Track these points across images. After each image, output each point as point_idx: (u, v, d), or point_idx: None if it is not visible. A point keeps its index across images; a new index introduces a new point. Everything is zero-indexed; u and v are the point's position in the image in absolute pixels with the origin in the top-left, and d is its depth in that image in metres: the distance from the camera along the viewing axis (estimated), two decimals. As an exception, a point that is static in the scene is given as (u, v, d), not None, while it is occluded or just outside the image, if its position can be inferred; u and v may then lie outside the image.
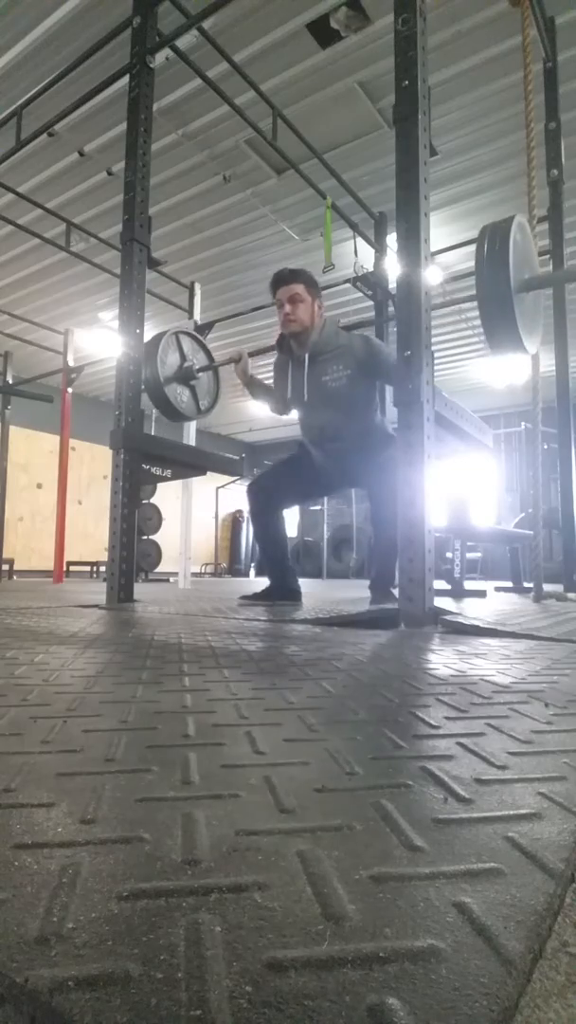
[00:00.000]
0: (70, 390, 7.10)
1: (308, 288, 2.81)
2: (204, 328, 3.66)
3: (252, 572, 13.52)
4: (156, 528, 9.56)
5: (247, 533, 14.18)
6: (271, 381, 3.16)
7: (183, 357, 3.27)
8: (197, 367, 3.29)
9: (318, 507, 11.52)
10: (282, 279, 2.81)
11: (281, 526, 3.01)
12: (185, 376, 3.24)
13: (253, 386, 3.12)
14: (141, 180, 3.01)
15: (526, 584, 5.01)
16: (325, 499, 10.76)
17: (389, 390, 2.90)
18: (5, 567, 7.78)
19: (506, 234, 1.99)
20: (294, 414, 3.10)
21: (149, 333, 3.12)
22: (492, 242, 1.99)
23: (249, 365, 3.09)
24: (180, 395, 3.24)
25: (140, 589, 3.30)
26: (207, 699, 0.87)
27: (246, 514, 14.39)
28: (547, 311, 3.97)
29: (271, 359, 3.20)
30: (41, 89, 4.09)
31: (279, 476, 3.03)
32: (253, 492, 3.00)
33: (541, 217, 3.91)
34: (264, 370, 8.28)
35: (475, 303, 2.09)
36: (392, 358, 2.53)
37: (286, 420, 3.76)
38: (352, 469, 2.92)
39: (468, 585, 4.81)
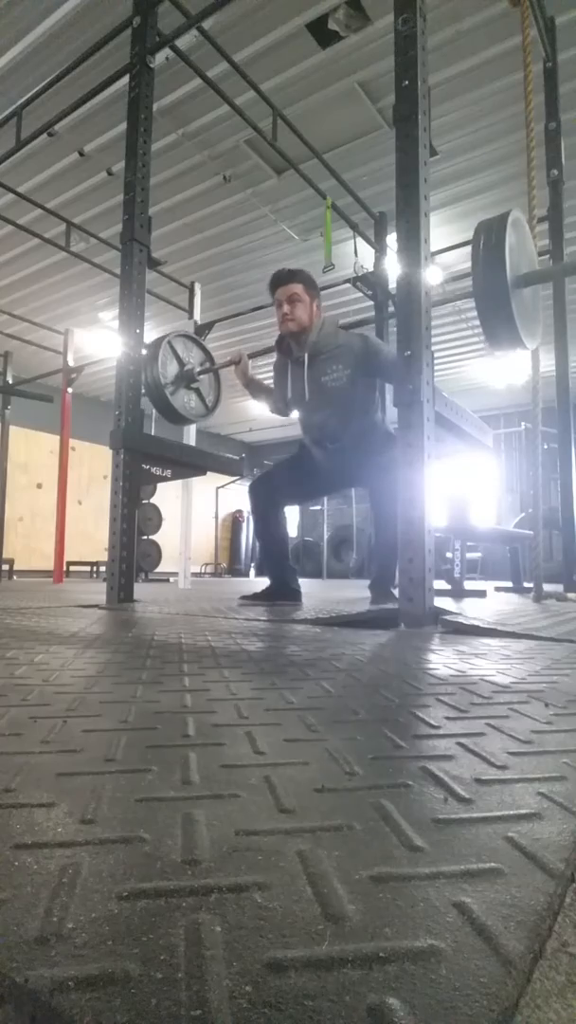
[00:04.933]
0: (70, 390, 7.10)
1: (306, 288, 2.81)
2: (204, 328, 3.67)
3: (252, 572, 13.52)
4: (156, 528, 9.55)
5: (247, 533, 14.18)
6: (271, 382, 3.16)
7: (180, 362, 3.25)
8: (198, 370, 3.28)
9: (318, 507, 11.52)
10: (280, 279, 2.82)
11: (283, 525, 3.01)
12: (187, 379, 3.23)
13: (253, 387, 3.13)
14: (141, 180, 3.01)
15: (526, 584, 5.01)
16: (325, 499, 10.76)
17: (389, 389, 2.89)
18: (5, 567, 7.78)
19: (501, 230, 1.98)
20: (295, 414, 3.10)
21: (149, 333, 3.11)
22: (488, 238, 1.99)
23: (249, 366, 3.09)
24: (187, 401, 3.24)
25: (140, 589, 3.30)
26: (207, 699, 0.87)
27: (246, 514, 14.41)
28: (547, 310, 3.97)
29: (271, 360, 3.20)
30: (41, 89, 4.09)
31: (280, 475, 3.04)
32: (255, 490, 3.00)
33: (541, 217, 3.91)
34: (264, 370, 8.30)
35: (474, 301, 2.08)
36: (392, 356, 2.53)
37: (286, 420, 3.76)
38: (353, 469, 2.92)
39: (468, 585, 4.81)
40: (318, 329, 2.83)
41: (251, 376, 3.09)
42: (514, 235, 2.04)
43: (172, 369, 3.19)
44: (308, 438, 3.00)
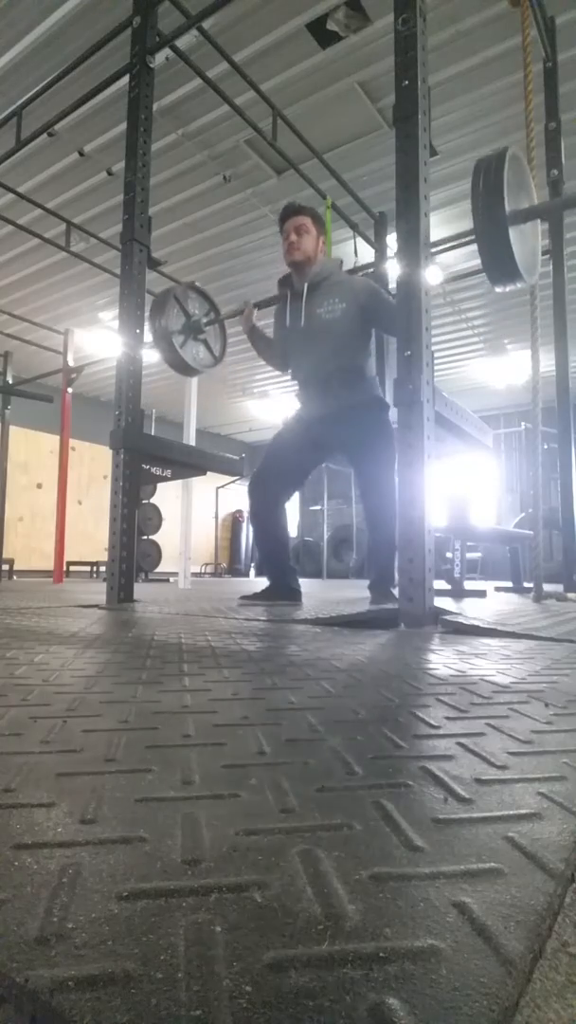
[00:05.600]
0: (70, 390, 7.10)
1: (314, 222, 2.91)
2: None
3: (252, 572, 13.52)
4: (156, 528, 9.55)
5: (247, 533, 14.18)
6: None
7: (187, 314, 3.26)
8: (204, 321, 3.29)
9: (318, 507, 11.52)
10: (291, 211, 2.91)
11: (283, 523, 3.00)
12: (194, 330, 3.24)
13: (255, 335, 3.16)
14: (141, 180, 3.01)
15: (526, 584, 5.01)
16: (325, 499, 10.76)
17: (391, 358, 2.89)
18: (5, 567, 7.77)
19: (500, 164, 1.98)
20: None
21: (149, 333, 3.11)
22: (487, 174, 1.99)
23: (254, 315, 3.13)
24: (196, 353, 3.26)
25: (140, 589, 3.30)
26: (207, 699, 0.87)
27: (246, 514, 14.42)
28: (547, 310, 3.97)
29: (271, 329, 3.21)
30: (41, 89, 4.09)
31: (271, 464, 2.98)
32: (253, 489, 2.98)
33: (541, 217, 3.90)
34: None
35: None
36: (392, 303, 2.55)
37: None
38: (340, 420, 2.85)
39: (468, 585, 4.81)
40: (321, 264, 2.92)
41: (254, 323, 3.13)
42: (513, 171, 2.04)
43: (179, 321, 3.21)
44: (297, 379, 3.01)
